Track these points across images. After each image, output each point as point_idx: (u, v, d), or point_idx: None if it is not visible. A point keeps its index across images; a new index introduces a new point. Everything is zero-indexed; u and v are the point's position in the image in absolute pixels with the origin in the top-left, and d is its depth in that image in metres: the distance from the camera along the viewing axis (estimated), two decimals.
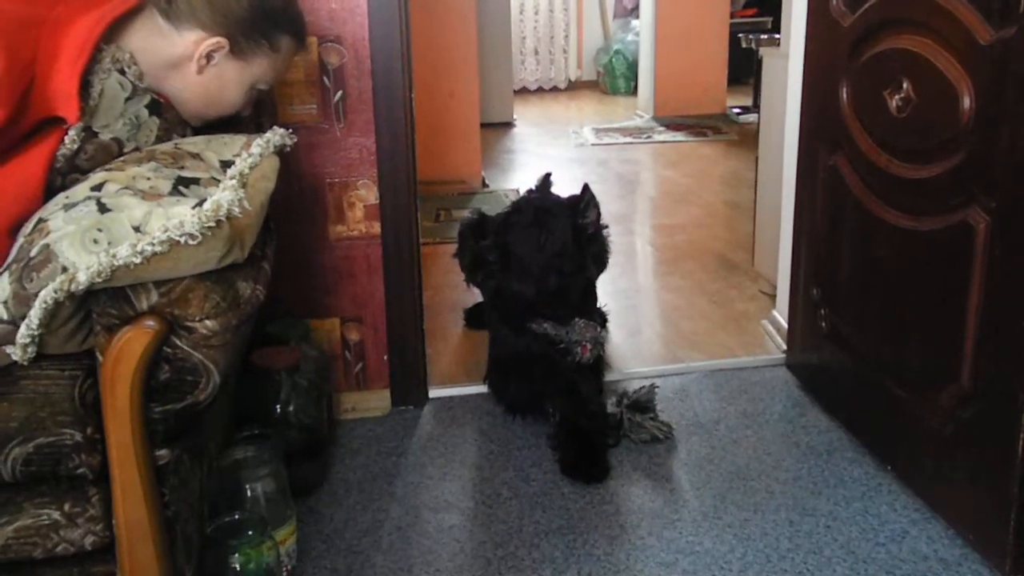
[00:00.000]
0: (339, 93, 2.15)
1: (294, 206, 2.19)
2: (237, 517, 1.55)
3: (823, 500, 1.95)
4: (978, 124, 1.64)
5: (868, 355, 2.07)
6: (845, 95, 2.09)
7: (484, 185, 4.77)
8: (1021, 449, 1.59)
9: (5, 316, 1.19)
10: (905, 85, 1.83)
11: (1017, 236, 1.57)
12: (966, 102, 1.66)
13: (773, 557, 1.77)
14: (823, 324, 2.27)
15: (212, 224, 1.17)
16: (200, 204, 1.19)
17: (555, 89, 8.64)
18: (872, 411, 2.09)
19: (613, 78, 8.27)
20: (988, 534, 1.70)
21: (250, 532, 1.53)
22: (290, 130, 1.53)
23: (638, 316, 3.04)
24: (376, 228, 2.25)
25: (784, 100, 2.57)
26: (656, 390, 2.29)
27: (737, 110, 6.79)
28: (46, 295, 1.15)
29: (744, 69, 7.24)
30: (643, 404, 2.26)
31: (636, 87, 7.59)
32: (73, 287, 1.15)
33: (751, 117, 6.21)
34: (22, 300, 1.18)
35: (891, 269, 1.96)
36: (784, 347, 2.59)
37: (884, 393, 2.00)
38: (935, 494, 1.87)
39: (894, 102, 1.87)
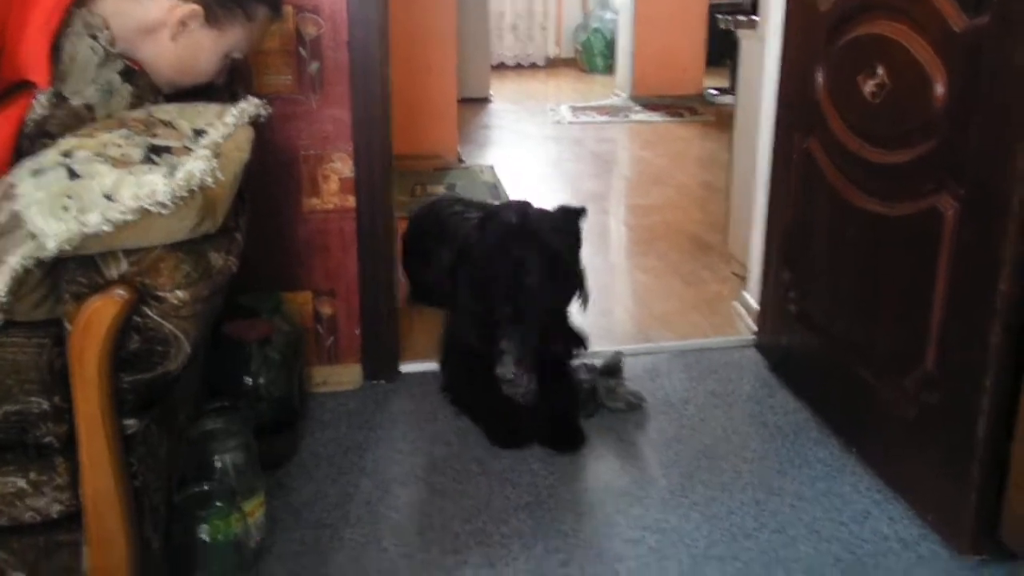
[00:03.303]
0: (315, 64, 2.13)
1: (268, 178, 2.17)
2: (206, 488, 1.55)
3: (788, 480, 1.97)
4: (950, 111, 1.66)
5: (836, 338, 2.10)
6: (821, 79, 2.10)
7: (460, 161, 4.76)
8: (982, 433, 1.62)
9: None
10: (880, 71, 1.84)
11: (984, 223, 1.59)
12: (939, 89, 1.67)
13: (739, 535, 1.79)
14: (793, 307, 2.30)
15: (184, 194, 1.16)
16: (172, 173, 1.18)
17: (533, 66, 8.60)
18: (839, 393, 2.12)
19: (591, 56, 8.25)
20: (947, 515, 1.74)
21: (218, 504, 1.53)
22: (265, 100, 1.51)
23: (610, 295, 3.05)
24: (351, 202, 2.24)
25: (760, 83, 2.58)
26: (622, 356, 2.35)
27: (714, 91, 6.80)
28: (14, 261, 1.14)
29: (722, 51, 7.24)
30: (612, 368, 2.32)
31: (614, 66, 7.58)
32: (42, 254, 1.13)
33: (728, 99, 6.23)
34: None
35: (861, 253, 1.98)
36: (754, 328, 2.61)
37: (851, 376, 2.03)
38: (897, 476, 1.91)
39: (868, 87, 1.88)
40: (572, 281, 2.14)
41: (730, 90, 6.35)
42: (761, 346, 2.55)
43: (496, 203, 2.43)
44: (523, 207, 2.18)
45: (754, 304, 2.63)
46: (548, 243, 2.06)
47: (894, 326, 1.87)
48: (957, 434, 1.68)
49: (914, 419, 1.81)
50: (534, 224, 2.09)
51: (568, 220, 2.14)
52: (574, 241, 2.16)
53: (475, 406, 2.19)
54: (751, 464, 2.04)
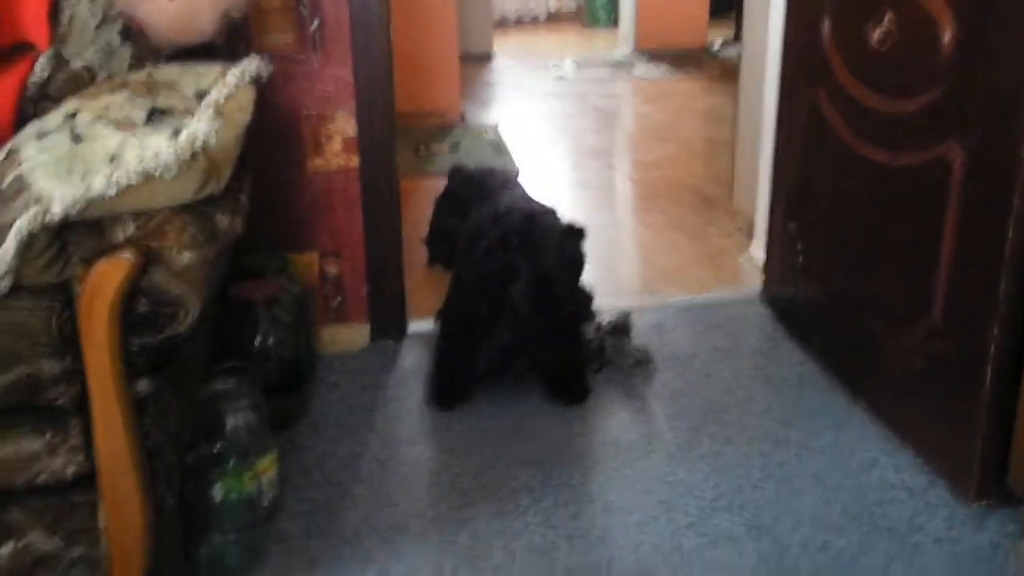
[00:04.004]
0: (316, 22, 2.11)
1: (271, 139, 2.16)
2: (217, 448, 1.56)
3: (795, 431, 1.99)
4: (958, 58, 1.64)
5: (843, 289, 2.10)
6: (827, 28, 2.08)
7: (462, 119, 4.72)
8: (989, 382, 1.62)
9: None
10: (887, 18, 1.82)
11: (992, 172, 1.58)
12: (947, 36, 1.65)
13: (745, 487, 1.81)
14: (799, 259, 2.29)
15: (188, 156, 1.16)
16: (176, 135, 1.17)
17: (535, 20, 8.49)
18: (845, 344, 2.12)
19: (594, 9, 8.15)
20: (954, 463, 1.75)
21: (230, 463, 1.54)
22: (266, 60, 1.51)
23: (616, 251, 3.05)
24: (354, 161, 2.23)
25: (766, 34, 2.55)
26: (630, 315, 2.35)
27: (719, 43, 6.72)
28: (21, 226, 1.14)
29: (726, 1, 7.15)
30: (621, 327, 2.32)
31: (617, 19, 7.49)
32: (48, 218, 1.14)
33: (732, 51, 6.16)
34: None
35: (868, 204, 1.97)
36: (760, 282, 2.61)
37: (857, 327, 2.03)
38: (904, 425, 1.92)
39: (876, 35, 1.86)
40: (567, 302, 2.08)
41: (734, 41, 6.28)
42: (767, 299, 2.55)
43: (520, 196, 2.32)
44: (530, 219, 2.10)
45: (760, 258, 2.62)
46: (546, 260, 2.01)
47: (901, 277, 1.87)
48: (963, 382, 1.69)
49: (921, 368, 1.81)
50: (533, 242, 2.03)
51: (571, 240, 2.09)
52: (575, 262, 2.11)
53: (439, 358, 2.18)
54: (757, 416, 2.05)
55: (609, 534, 1.70)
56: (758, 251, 2.67)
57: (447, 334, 2.20)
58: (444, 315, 2.24)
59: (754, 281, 2.67)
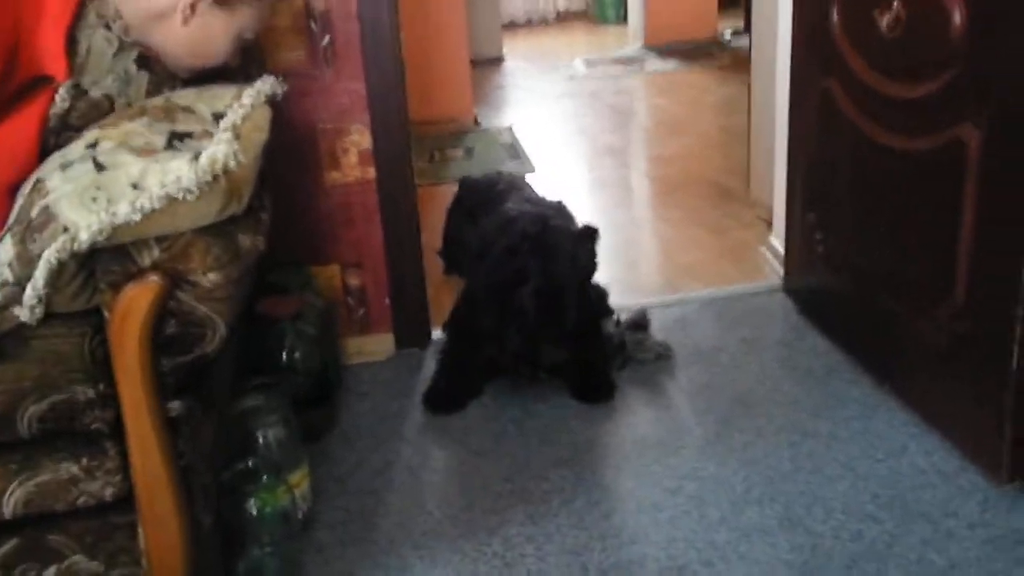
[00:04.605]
0: (326, 38, 2.13)
1: (288, 154, 2.18)
2: (250, 464, 1.59)
3: (823, 421, 1.98)
4: (970, 40, 1.63)
5: (864, 275, 2.09)
6: (836, 16, 2.07)
7: (476, 123, 4.74)
8: (1015, 361, 1.62)
9: (11, 278, 1.21)
10: (895, 4, 1.81)
11: (1008, 151, 1.57)
12: (957, 18, 1.65)
13: (776, 478, 1.81)
14: (820, 247, 2.29)
15: (209, 178, 1.18)
16: (196, 158, 1.19)
17: (544, 21, 8.50)
18: (869, 331, 2.11)
19: (602, 7, 8.14)
20: (984, 445, 1.74)
21: (264, 478, 1.57)
22: (280, 78, 1.53)
23: (635, 248, 3.05)
24: (371, 173, 2.25)
25: (776, 23, 2.54)
26: (647, 311, 2.37)
27: (729, 34, 6.70)
28: (49, 255, 1.17)
29: None
30: (639, 323, 2.34)
31: (626, 15, 7.48)
32: (75, 246, 1.16)
33: (743, 41, 6.13)
34: (26, 261, 1.19)
35: (885, 189, 1.96)
36: (782, 272, 2.60)
37: (880, 312, 2.03)
38: (932, 409, 1.91)
39: (885, 21, 1.85)
40: (579, 307, 2.05)
41: (744, 31, 6.25)
42: (789, 290, 2.54)
43: (527, 199, 2.32)
44: (547, 216, 2.10)
45: (780, 248, 2.62)
46: (561, 261, 2.00)
47: (922, 259, 1.86)
48: (990, 363, 1.68)
49: (946, 351, 1.81)
50: (550, 239, 2.02)
51: (583, 244, 2.07)
52: (587, 267, 2.10)
53: (440, 364, 2.22)
54: (785, 408, 2.05)
55: (642, 532, 1.70)
56: (778, 241, 2.66)
57: (450, 342, 2.24)
58: (450, 324, 2.27)
59: (775, 272, 2.67)
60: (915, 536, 1.64)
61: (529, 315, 1.96)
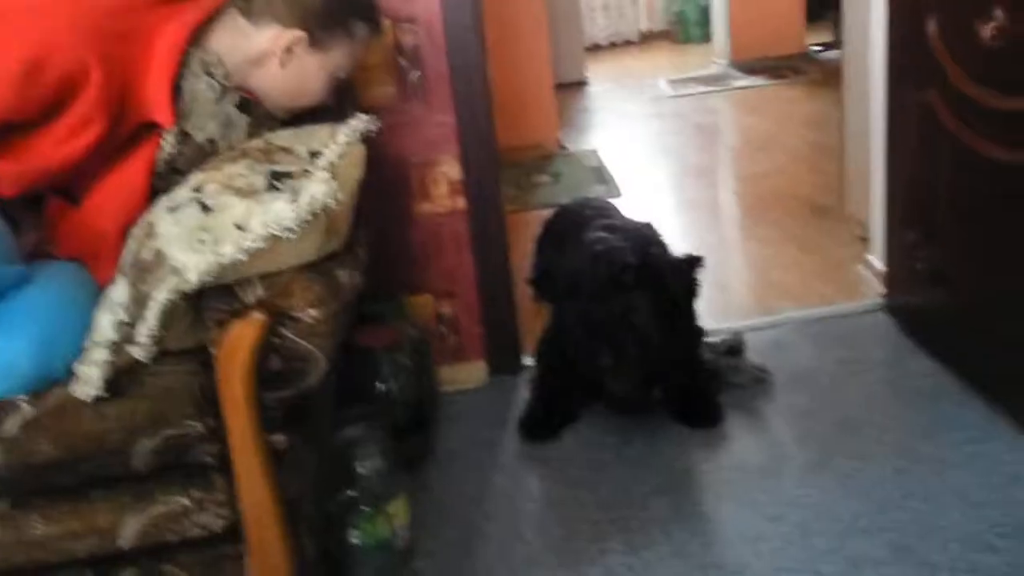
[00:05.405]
0: (416, 73, 2.17)
1: (380, 187, 2.23)
2: (352, 495, 1.61)
3: (933, 446, 1.91)
4: None
5: (972, 293, 2.01)
6: (933, 26, 2.01)
7: (561, 148, 4.75)
8: None
9: (126, 318, 1.26)
10: (998, 13, 1.75)
11: None
12: None
13: (886, 507, 1.75)
14: (922, 265, 2.21)
15: (309, 217, 1.21)
16: (296, 198, 1.23)
17: (627, 43, 8.49)
18: (980, 350, 2.03)
19: (686, 26, 8.09)
20: None
21: (365, 508, 1.59)
22: (373, 115, 1.56)
23: (726, 269, 3.00)
24: (461, 203, 2.28)
25: (867, 35, 2.49)
26: (742, 335, 2.33)
27: (818, 48, 6.57)
28: (160, 296, 1.21)
29: (823, 3, 6.99)
30: (735, 348, 2.31)
31: (710, 34, 7.42)
32: (185, 287, 1.20)
33: (832, 54, 6.01)
34: (139, 302, 1.24)
35: (991, 204, 1.89)
36: (882, 291, 2.53)
37: (990, 331, 1.95)
38: None
39: (987, 32, 1.79)
40: (686, 332, 2.03)
41: (835, 44, 6.13)
42: (891, 309, 2.46)
43: (618, 223, 2.27)
44: (643, 244, 2.03)
45: (879, 266, 2.54)
46: (666, 290, 1.94)
47: None
48: None
49: None
50: (653, 268, 1.95)
51: (687, 268, 2.02)
52: (691, 290, 2.05)
53: (535, 394, 2.21)
54: (891, 432, 1.98)
55: (745, 563, 1.66)
56: (876, 259, 2.58)
57: (542, 369, 2.24)
58: (541, 352, 2.27)
59: (874, 290, 2.59)
60: None
61: (636, 363, 1.92)
